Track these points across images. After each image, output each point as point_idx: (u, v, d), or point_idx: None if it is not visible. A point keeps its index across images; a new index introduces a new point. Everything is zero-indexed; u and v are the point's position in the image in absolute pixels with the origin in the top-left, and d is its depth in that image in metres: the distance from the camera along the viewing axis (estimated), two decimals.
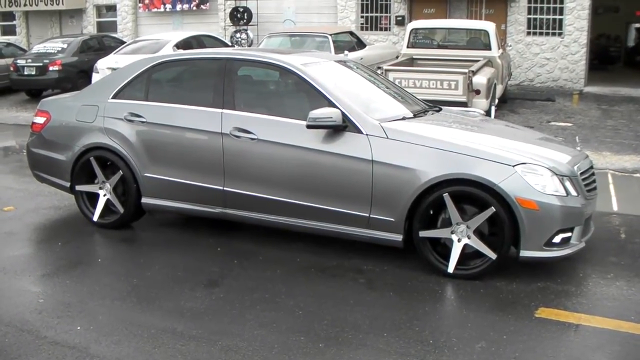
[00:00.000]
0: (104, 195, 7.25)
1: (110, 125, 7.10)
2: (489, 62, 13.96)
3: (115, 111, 7.13)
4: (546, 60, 19.54)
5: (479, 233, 5.73)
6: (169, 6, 24.44)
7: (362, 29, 21.44)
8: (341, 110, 6.05)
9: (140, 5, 25.06)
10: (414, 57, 14.81)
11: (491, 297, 5.46)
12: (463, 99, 12.14)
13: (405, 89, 11.87)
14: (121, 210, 7.19)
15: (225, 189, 6.58)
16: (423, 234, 5.84)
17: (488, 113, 12.64)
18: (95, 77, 16.33)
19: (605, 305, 5.34)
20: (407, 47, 15.32)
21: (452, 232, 5.77)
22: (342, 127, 6.03)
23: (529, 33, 19.72)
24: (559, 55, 19.41)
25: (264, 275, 5.96)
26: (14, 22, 27.80)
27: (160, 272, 6.09)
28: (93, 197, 7.35)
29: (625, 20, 29.01)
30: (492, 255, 5.66)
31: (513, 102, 16.64)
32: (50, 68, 18.79)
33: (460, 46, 15.45)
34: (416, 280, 5.79)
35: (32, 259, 6.60)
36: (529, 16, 19.66)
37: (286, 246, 6.65)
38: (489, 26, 15.00)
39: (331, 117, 5.96)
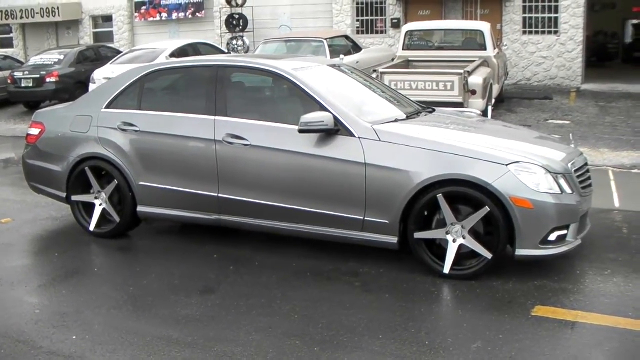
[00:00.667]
0: (100, 205, 7.25)
1: (105, 135, 7.10)
2: (485, 63, 13.94)
3: (109, 121, 7.13)
4: (543, 58, 19.54)
5: (474, 233, 5.72)
6: (165, 15, 24.48)
7: (358, 32, 21.45)
8: (333, 114, 6.04)
9: (137, 14, 25.09)
10: (410, 59, 14.80)
11: (487, 297, 5.44)
12: (459, 99, 12.12)
13: (401, 91, 11.99)
14: (117, 219, 7.19)
15: (219, 195, 6.57)
16: (418, 235, 5.83)
17: (485, 113, 12.62)
18: (92, 88, 16.33)
19: (603, 302, 5.32)
20: (403, 49, 15.31)
21: (447, 233, 5.75)
22: (335, 130, 6.03)
23: (524, 32, 19.73)
24: (556, 54, 19.41)
25: (260, 281, 5.95)
26: (11, 35, 27.88)
27: (157, 280, 6.09)
28: (89, 207, 7.34)
29: (622, 16, 29.03)
30: (488, 255, 5.65)
31: (510, 102, 16.63)
32: (48, 80, 18.83)
33: (455, 47, 15.44)
34: (412, 282, 5.78)
35: (29, 269, 6.60)
36: (525, 15, 19.66)
37: (282, 251, 6.64)
38: (484, 26, 14.99)
39: (323, 121, 5.95)
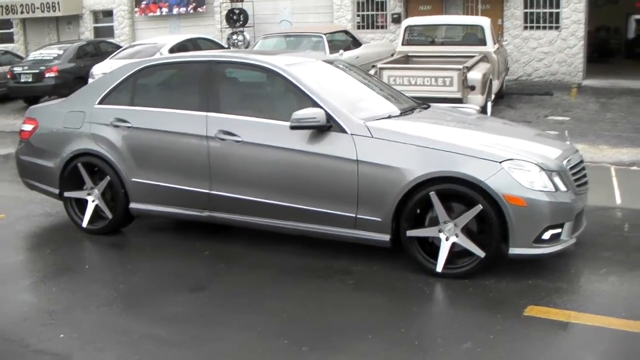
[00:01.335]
0: (93, 201, 7.20)
1: (97, 131, 7.06)
2: (485, 58, 13.85)
3: (102, 117, 7.08)
4: (544, 54, 19.45)
5: (467, 231, 5.66)
6: (165, 10, 24.40)
7: (358, 27, 21.37)
8: (325, 110, 5.98)
9: (137, 9, 25.02)
10: (409, 54, 14.72)
11: (479, 296, 5.38)
12: (458, 95, 12.04)
13: (399, 87, 11.96)
14: (110, 216, 7.14)
15: (211, 192, 6.52)
16: (410, 233, 5.77)
17: (484, 109, 12.55)
18: None
19: (596, 301, 5.27)
20: (402, 44, 15.22)
21: (439, 231, 5.69)
22: (327, 127, 5.97)
23: (525, 27, 19.63)
24: (557, 49, 19.31)
25: (250, 279, 5.90)
26: (12, 30, 27.80)
27: (147, 277, 6.04)
28: (82, 204, 7.29)
29: (625, 11, 28.89)
30: (481, 254, 5.59)
31: (510, 97, 16.55)
32: (47, 75, 18.75)
33: (455, 42, 15.34)
34: (404, 280, 5.72)
35: (20, 266, 6.56)
36: (526, 10, 19.55)
37: (275, 248, 6.59)
38: (484, 21, 14.90)
39: (315, 118, 5.90)
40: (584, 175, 6.15)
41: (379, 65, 12.91)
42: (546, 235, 5.55)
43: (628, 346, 4.54)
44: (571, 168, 5.90)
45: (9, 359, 4.61)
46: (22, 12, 26.23)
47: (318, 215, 6.08)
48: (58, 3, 25.31)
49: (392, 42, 19.82)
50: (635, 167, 9.92)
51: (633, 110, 14.70)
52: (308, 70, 6.70)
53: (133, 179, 6.90)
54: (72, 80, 18.75)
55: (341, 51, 15.49)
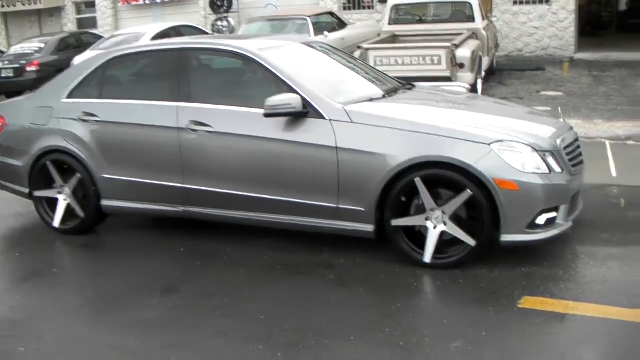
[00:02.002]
0: (64, 200, 6.83)
1: (65, 127, 6.68)
2: (474, 35, 13.47)
3: (70, 111, 6.71)
4: (534, 29, 19.04)
5: (456, 219, 5.30)
6: None
7: (345, 8, 20.94)
8: (301, 96, 5.61)
9: None
10: (396, 34, 14.32)
11: (471, 288, 5.02)
12: (447, 73, 11.67)
13: (387, 67, 11.61)
14: (82, 214, 6.78)
15: (185, 186, 6.17)
16: (395, 222, 5.41)
17: (474, 86, 12.20)
18: None
19: (595, 289, 4.91)
20: (389, 24, 14.83)
21: (426, 219, 5.33)
22: (303, 113, 5.60)
23: (515, 2, 19.19)
24: (548, 24, 18.90)
25: (226, 277, 5.53)
26: None
27: (118, 280, 5.67)
28: (53, 203, 6.92)
29: None
30: (471, 242, 5.23)
31: (501, 74, 16.17)
32: (28, 69, 18.31)
33: (443, 20, 14.97)
34: (390, 274, 5.35)
35: None
36: None
37: (254, 243, 6.22)
38: None
39: (290, 104, 5.53)
40: (580, 154, 5.79)
41: (365, 45, 12.51)
42: (540, 220, 5.19)
43: (630, 338, 4.18)
44: (565, 147, 5.53)
45: None
46: (2, 6, 25.76)
47: (298, 207, 5.73)
48: None
49: (379, 23, 19.39)
50: (631, 142, 9.56)
51: (627, 83, 14.33)
52: (283, 54, 6.32)
53: (103, 176, 6.54)
54: (54, 73, 17.86)
55: (326, 33, 15.10)
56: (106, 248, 6.63)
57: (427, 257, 5.34)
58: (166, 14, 23.77)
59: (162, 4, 23.86)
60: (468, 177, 5.13)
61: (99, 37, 20.63)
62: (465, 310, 4.68)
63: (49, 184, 6.91)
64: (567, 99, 12.95)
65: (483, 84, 13.45)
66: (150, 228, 7.02)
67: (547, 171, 5.20)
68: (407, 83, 6.92)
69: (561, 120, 6.29)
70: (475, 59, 12.33)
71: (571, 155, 5.58)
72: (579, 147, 5.84)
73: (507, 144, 5.18)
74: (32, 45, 19.41)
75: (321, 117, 5.58)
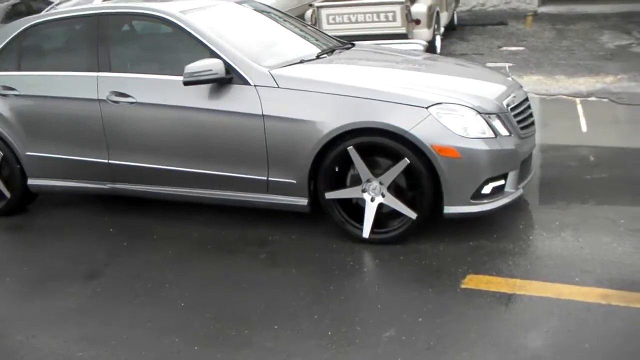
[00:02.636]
0: None
1: None
2: None
3: None
4: None
5: (395, 190, 4.84)
6: None
7: None
8: (224, 60, 5.11)
9: None
10: None
11: (412, 265, 4.59)
12: (402, 30, 11.15)
13: (340, 25, 11.10)
14: (8, 194, 6.29)
15: (110, 161, 5.69)
16: (330, 195, 4.95)
17: (432, 43, 11.70)
18: None
19: (546, 264, 4.47)
20: None
21: (363, 191, 4.88)
22: (227, 79, 5.10)
23: None
24: None
25: (152, 259, 5.08)
26: None
27: (40, 265, 5.21)
28: None
29: None
30: (412, 215, 4.78)
31: (463, 29, 15.62)
32: None
33: None
34: (326, 250, 4.91)
35: None
36: None
37: (186, 219, 5.76)
38: None
39: (211, 70, 5.02)
40: (530, 115, 5.35)
41: (316, 4, 11.91)
42: (487, 189, 4.75)
43: (579, 321, 3.76)
44: (513, 108, 5.07)
45: None
46: None
47: (227, 180, 5.27)
48: None
49: None
50: (593, 98, 9.13)
51: (590, 36, 13.88)
52: (208, 16, 5.79)
53: (27, 153, 6.07)
54: None
55: None
56: (33, 229, 6.11)
57: (366, 232, 4.90)
58: None
59: None
60: (404, 144, 4.66)
61: (49, 3, 19.81)
62: (403, 292, 4.25)
63: None
64: (528, 54, 12.48)
65: (442, 40, 12.94)
66: (86, 205, 6.48)
67: (493, 135, 4.75)
68: (347, 42, 6.41)
69: (510, 78, 5.80)
70: (432, 14, 11.80)
71: (520, 116, 5.13)
72: (529, 107, 5.39)
73: (447, 107, 4.71)
74: None
75: (246, 83, 5.09)
